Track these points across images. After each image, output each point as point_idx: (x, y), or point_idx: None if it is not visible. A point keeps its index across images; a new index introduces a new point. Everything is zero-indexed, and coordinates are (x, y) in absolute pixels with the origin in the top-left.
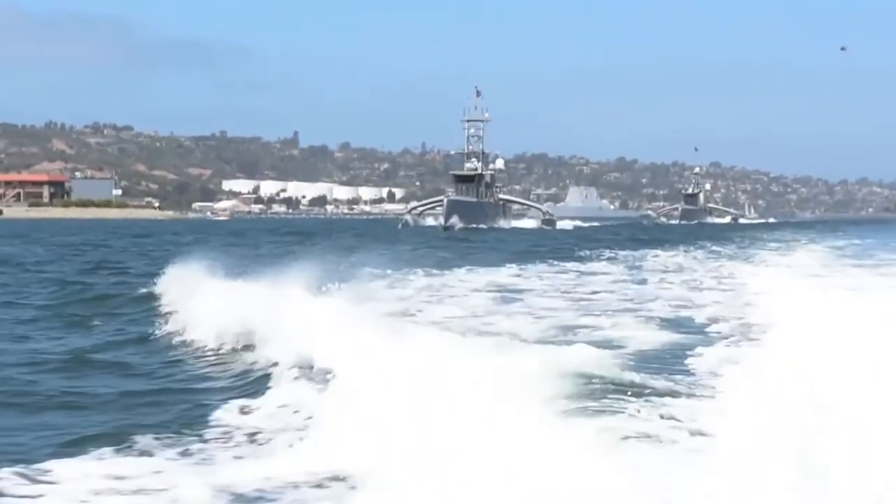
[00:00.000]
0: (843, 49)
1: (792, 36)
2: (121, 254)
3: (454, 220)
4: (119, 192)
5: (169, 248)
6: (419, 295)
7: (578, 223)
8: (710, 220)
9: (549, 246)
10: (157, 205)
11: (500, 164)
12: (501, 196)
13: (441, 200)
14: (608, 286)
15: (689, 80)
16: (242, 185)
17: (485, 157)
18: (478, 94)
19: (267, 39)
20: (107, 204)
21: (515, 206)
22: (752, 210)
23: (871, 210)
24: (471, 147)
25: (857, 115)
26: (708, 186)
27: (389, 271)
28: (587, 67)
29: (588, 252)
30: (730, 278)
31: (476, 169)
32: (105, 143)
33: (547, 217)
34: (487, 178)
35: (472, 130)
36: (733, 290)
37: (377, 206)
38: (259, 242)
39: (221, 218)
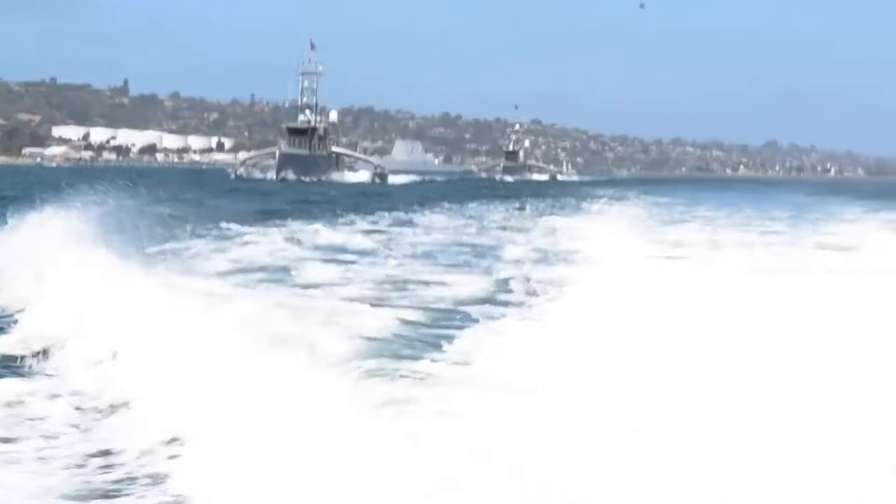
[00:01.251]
0: (641, 6)
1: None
2: None
3: (287, 172)
4: None
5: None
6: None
7: (413, 178)
8: (529, 176)
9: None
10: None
11: (333, 116)
12: (334, 149)
13: (273, 152)
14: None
15: (511, 37)
16: (72, 132)
17: (318, 110)
18: (312, 47)
19: None
20: None
21: (347, 160)
22: (570, 167)
23: (684, 169)
24: (304, 100)
25: (673, 76)
26: (527, 143)
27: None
28: (414, 23)
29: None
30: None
31: (309, 122)
32: None
33: (378, 171)
34: (321, 132)
35: (305, 83)
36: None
37: (206, 155)
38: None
39: (56, 164)
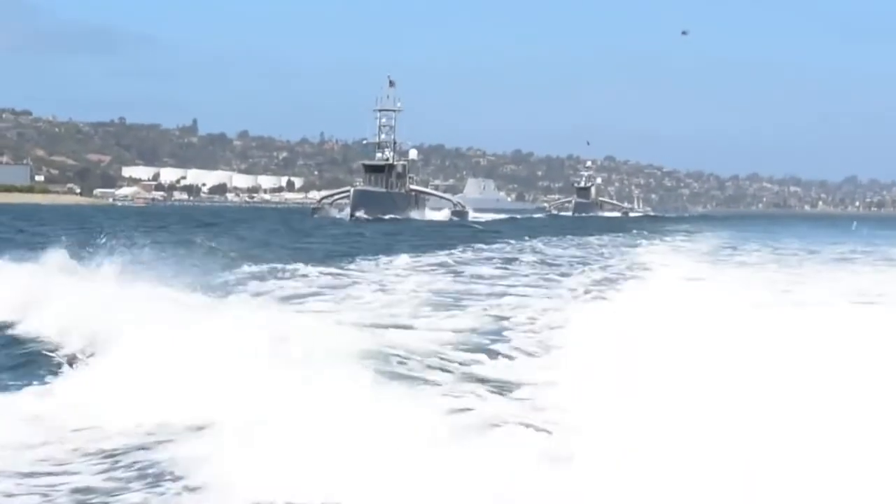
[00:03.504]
0: (684, 33)
1: (680, 28)
2: None
3: (361, 210)
4: (42, 177)
5: None
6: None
7: (495, 216)
8: (601, 213)
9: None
10: (78, 191)
11: (413, 154)
12: (413, 187)
13: (348, 191)
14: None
15: (584, 73)
16: (142, 172)
17: (396, 147)
18: (391, 83)
19: (168, 27)
20: (30, 189)
21: (425, 198)
22: (643, 204)
23: (760, 206)
24: (382, 137)
25: (749, 110)
26: (599, 180)
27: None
28: (484, 60)
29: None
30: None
31: (388, 159)
32: (3, 127)
33: (458, 209)
34: (399, 169)
35: (383, 120)
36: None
37: (277, 194)
38: None
39: (139, 204)
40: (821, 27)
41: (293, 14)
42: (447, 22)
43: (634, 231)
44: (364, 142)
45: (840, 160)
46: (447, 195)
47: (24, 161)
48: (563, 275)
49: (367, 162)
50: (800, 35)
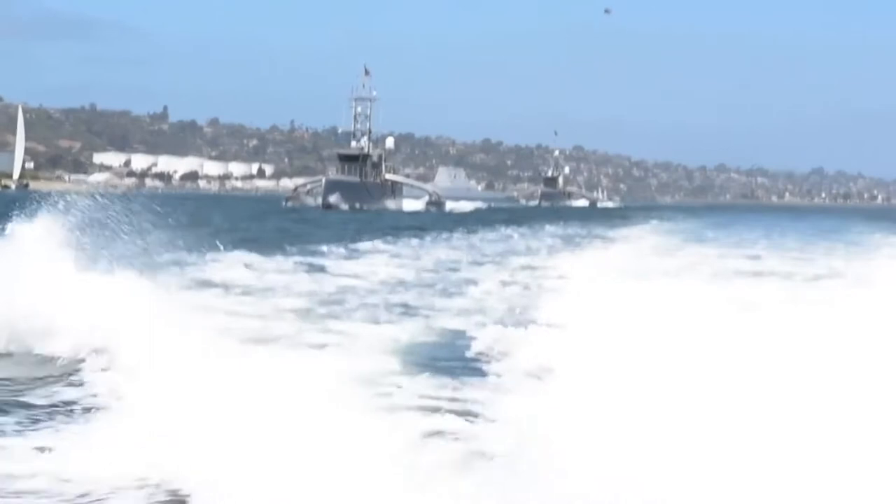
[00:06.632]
0: (606, 11)
1: (652, 20)
2: None
3: (333, 199)
4: (31, 164)
5: None
6: None
7: (477, 205)
8: (568, 203)
9: None
10: (67, 178)
11: (389, 143)
12: (388, 177)
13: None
14: None
15: (553, 63)
16: (113, 159)
17: (371, 136)
18: (366, 72)
19: (139, 14)
20: (21, 176)
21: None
22: (611, 194)
23: (728, 196)
24: (358, 126)
25: (717, 100)
26: (567, 170)
27: None
28: (452, 47)
29: None
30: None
31: (363, 148)
32: None
33: (434, 199)
34: (374, 158)
35: (358, 109)
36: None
37: (248, 182)
38: None
39: (120, 191)
40: (787, 16)
41: (263, 1)
42: (416, 9)
43: None
44: (339, 130)
45: (807, 151)
46: (422, 184)
47: (10, 148)
48: None
49: (341, 151)
50: (765, 26)
